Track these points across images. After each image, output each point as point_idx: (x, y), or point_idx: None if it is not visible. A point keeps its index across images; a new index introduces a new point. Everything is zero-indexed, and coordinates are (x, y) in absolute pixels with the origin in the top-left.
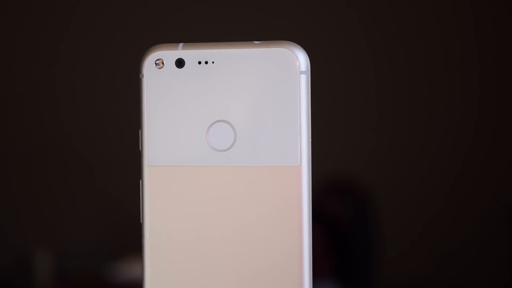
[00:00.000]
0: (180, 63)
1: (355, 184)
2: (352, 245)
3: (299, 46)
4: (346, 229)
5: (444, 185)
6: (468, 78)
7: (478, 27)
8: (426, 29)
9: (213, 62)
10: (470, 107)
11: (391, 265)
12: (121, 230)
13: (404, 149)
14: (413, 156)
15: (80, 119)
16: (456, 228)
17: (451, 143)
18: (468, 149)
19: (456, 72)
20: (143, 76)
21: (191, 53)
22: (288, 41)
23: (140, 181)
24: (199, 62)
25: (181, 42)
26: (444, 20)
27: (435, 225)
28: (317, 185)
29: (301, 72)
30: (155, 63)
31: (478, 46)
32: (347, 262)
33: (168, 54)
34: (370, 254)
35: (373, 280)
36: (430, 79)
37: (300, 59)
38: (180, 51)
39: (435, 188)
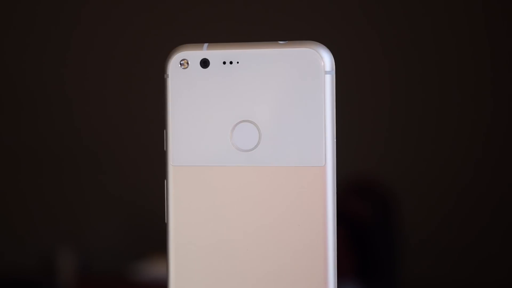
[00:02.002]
0: (205, 63)
1: (377, 184)
2: (374, 245)
3: (324, 46)
4: (368, 229)
5: (469, 186)
6: (486, 78)
7: (493, 28)
8: (449, 28)
9: (237, 62)
10: (485, 107)
11: (414, 264)
12: (144, 230)
13: (427, 149)
14: (436, 156)
15: (105, 119)
16: (482, 227)
17: (474, 142)
18: (488, 146)
19: (478, 72)
20: (168, 77)
21: (215, 53)
22: (313, 41)
23: (165, 181)
24: (224, 62)
25: (205, 42)
26: (464, 22)
27: (459, 225)
28: (339, 185)
29: (326, 72)
30: (180, 63)
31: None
32: (370, 263)
33: (193, 54)
34: (392, 254)
35: (396, 280)
36: (453, 79)
37: (325, 59)
38: (204, 51)
39: (458, 189)
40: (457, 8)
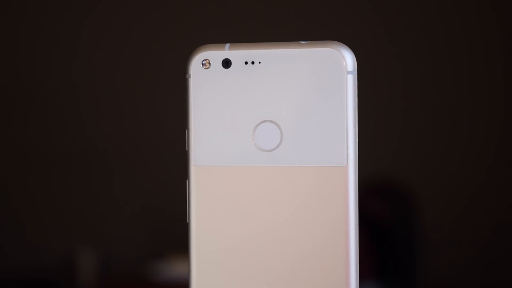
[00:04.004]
0: (226, 63)
1: (398, 184)
2: (394, 245)
3: (346, 46)
4: (388, 229)
5: (489, 185)
6: (499, 75)
7: (506, 27)
8: (471, 29)
9: (259, 62)
10: (500, 104)
11: (435, 264)
12: (165, 230)
13: (448, 148)
14: (457, 155)
15: (127, 119)
16: (504, 228)
17: (496, 142)
18: (505, 144)
19: (492, 70)
20: (190, 77)
21: (237, 53)
22: (335, 41)
23: (187, 181)
24: (246, 62)
25: (227, 42)
26: (477, 22)
27: (481, 226)
28: (359, 185)
29: (348, 72)
30: (202, 64)
31: None
32: (390, 262)
33: (214, 54)
34: (412, 253)
35: (416, 280)
36: (474, 80)
37: (347, 59)
38: (226, 51)
39: (480, 188)
40: (470, 8)
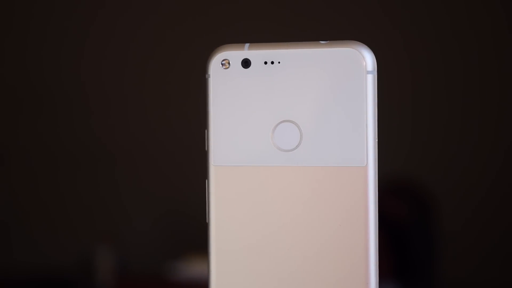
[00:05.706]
0: (246, 63)
1: (416, 184)
2: (412, 245)
3: (366, 46)
4: (406, 229)
5: (507, 185)
6: None
7: None
8: (483, 30)
9: (279, 62)
10: None
11: (453, 265)
12: (183, 230)
13: (465, 148)
14: (475, 155)
15: (146, 119)
16: None
17: (510, 139)
18: None
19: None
20: (209, 77)
21: (257, 53)
22: (355, 41)
23: (206, 181)
24: (265, 62)
25: (246, 42)
26: (495, 22)
27: (498, 225)
28: (378, 185)
29: (368, 72)
30: (221, 63)
31: None
32: (408, 262)
33: (234, 54)
34: (431, 253)
35: (434, 280)
36: (486, 78)
37: (366, 59)
38: (246, 51)
39: (497, 187)
40: (481, 9)
